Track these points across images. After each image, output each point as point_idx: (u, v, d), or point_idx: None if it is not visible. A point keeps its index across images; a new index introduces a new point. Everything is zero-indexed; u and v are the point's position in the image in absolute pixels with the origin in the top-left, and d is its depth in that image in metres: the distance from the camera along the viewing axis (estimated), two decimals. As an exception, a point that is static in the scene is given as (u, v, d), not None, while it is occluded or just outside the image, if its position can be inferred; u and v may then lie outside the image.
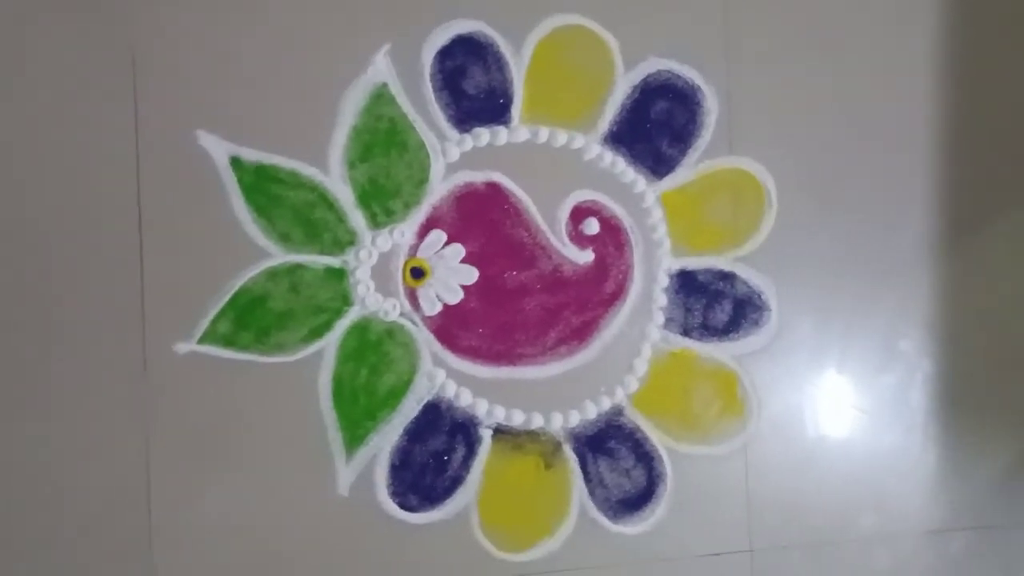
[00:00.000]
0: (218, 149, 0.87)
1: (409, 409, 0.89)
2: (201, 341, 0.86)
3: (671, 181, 0.95)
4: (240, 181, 0.87)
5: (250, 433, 0.87)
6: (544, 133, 0.92)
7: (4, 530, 0.83)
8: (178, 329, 0.86)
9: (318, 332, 0.88)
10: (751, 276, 0.96)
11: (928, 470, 0.99)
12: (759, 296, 0.96)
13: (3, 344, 0.83)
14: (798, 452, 0.96)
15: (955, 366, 0.99)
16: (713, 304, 0.95)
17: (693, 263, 0.95)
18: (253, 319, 0.87)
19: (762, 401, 0.95)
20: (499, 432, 0.91)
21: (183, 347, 0.86)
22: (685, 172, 0.95)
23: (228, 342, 0.87)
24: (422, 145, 0.90)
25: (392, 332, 0.90)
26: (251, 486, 0.87)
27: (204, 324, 0.86)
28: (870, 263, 0.98)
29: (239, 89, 0.87)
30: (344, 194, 0.89)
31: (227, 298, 0.86)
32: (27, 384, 0.83)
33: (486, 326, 0.91)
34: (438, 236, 0.90)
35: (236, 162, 0.87)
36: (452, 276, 0.91)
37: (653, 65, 0.94)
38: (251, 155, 0.87)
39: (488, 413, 0.91)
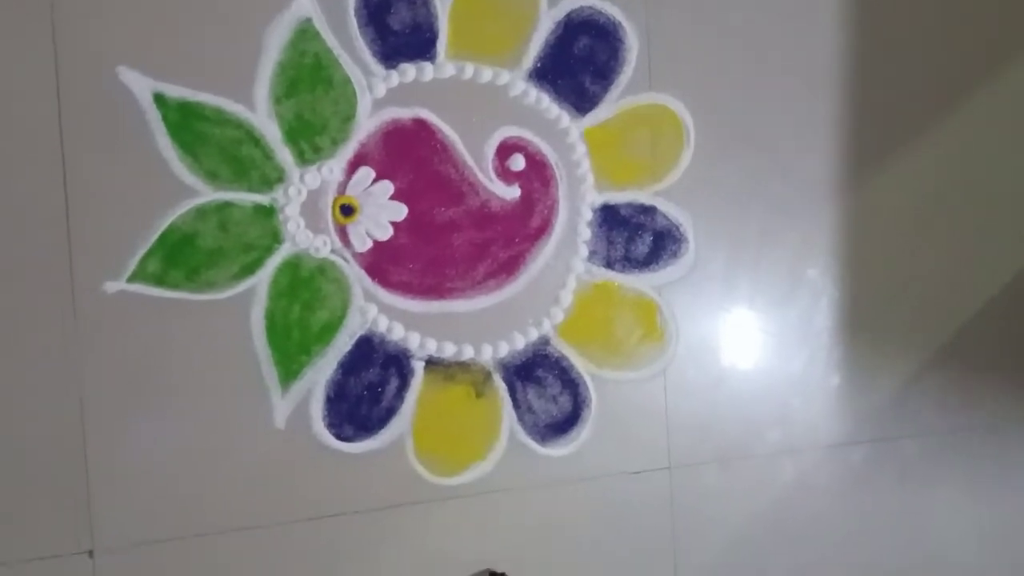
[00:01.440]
0: (140, 85, 0.85)
1: (343, 343, 0.92)
2: (130, 280, 0.86)
3: (594, 117, 0.97)
4: (165, 118, 0.86)
5: (184, 370, 0.88)
6: (470, 69, 0.93)
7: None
8: (107, 269, 0.85)
9: (249, 269, 0.89)
10: (670, 210, 1.00)
11: (831, 388, 1.06)
12: (677, 229, 1.00)
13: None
14: (713, 375, 1.02)
15: (855, 292, 1.06)
16: (634, 237, 0.99)
17: (616, 197, 0.99)
18: (183, 257, 0.87)
19: (680, 328, 1.01)
20: (431, 364, 0.94)
21: (112, 286, 0.86)
22: (607, 108, 0.98)
23: (158, 280, 0.87)
24: (348, 81, 0.90)
25: (323, 268, 0.91)
26: (187, 422, 0.88)
27: (133, 263, 0.86)
28: (778, 197, 1.03)
29: (161, 23, 0.86)
30: (271, 131, 0.89)
31: (155, 237, 0.86)
32: (-48, 327, 0.82)
33: (416, 261, 0.93)
34: (366, 173, 0.92)
35: (160, 99, 0.86)
36: (381, 212, 0.92)
37: (576, 1, 0.96)
38: (175, 91, 0.86)
39: (420, 346, 0.93)
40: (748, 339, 1.03)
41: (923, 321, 1.08)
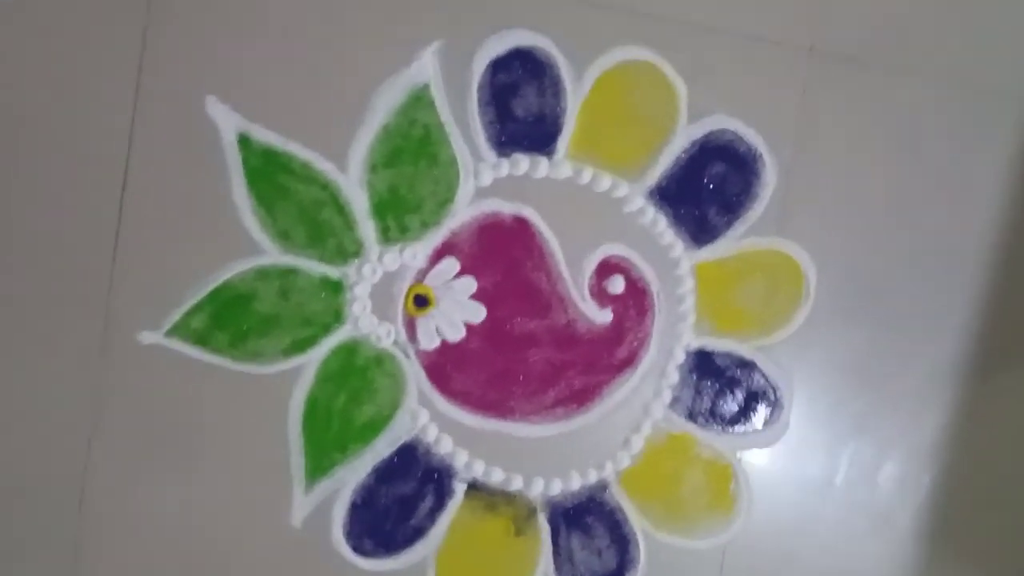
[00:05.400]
0: (227, 121, 0.76)
1: (383, 446, 0.81)
2: (169, 334, 0.77)
3: (710, 251, 0.87)
4: (245, 162, 0.77)
5: (206, 442, 0.78)
6: (588, 174, 0.83)
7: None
8: (146, 317, 0.76)
9: (301, 346, 0.79)
10: (771, 369, 0.89)
11: (902, 599, 0.95)
12: (775, 391, 0.89)
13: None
14: (776, 560, 0.91)
15: (948, 500, 0.94)
16: (725, 391, 0.88)
17: (714, 344, 0.88)
18: (232, 319, 0.78)
19: (753, 502, 0.90)
20: (473, 488, 0.84)
21: (148, 337, 0.76)
22: (727, 245, 0.87)
23: (199, 340, 0.77)
24: (454, 161, 0.81)
25: (381, 360, 0.81)
26: (196, 498, 0.79)
27: (176, 315, 0.77)
28: (890, 380, 0.91)
29: (263, 58, 0.76)
30: (358, 199, 0.79)
31: (207, 291, 0.77)
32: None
33: (483, 371, 0.83)
34: (451, 265, 0.82)
35: (244, 140, 0.77)
36: (458, 311, 0.82)
37: (719, 122, 0.86)
38: (262, 135, 0.77)
39: (466, 465, 0.83)
40: (822, 528, 0.92)
41: (1015, 546, 0.97)
